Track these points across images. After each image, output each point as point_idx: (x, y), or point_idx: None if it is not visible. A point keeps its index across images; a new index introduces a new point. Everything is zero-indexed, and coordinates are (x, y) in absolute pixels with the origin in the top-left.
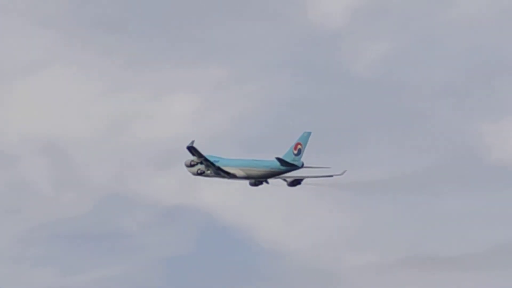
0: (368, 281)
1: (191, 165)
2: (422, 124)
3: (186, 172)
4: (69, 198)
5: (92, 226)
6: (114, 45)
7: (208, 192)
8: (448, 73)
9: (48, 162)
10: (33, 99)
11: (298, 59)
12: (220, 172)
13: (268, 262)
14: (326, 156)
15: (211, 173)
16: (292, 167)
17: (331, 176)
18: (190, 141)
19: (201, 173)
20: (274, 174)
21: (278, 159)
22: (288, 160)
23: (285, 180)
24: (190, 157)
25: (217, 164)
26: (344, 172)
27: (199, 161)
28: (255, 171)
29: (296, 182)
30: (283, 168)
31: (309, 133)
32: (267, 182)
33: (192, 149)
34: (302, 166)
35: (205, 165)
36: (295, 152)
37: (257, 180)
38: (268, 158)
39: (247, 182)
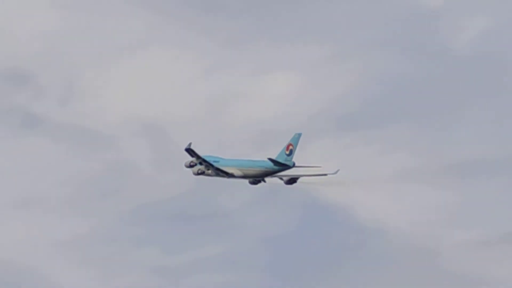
0: (470, 258)
1: (190, 166)
2: None
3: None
4: (170, 178)
5: (193, 206)
6: (213, 24)
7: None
8: None
9: (149, 143)
10: (133, 80)
11: (397, 36)
12: (219, 172)
13: (369, 241)
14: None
15: (211, 173)
16: (285, 166)
17: (325, 175)
18: (187, 144)
19: (201, 173)
20: (269, 174)
21: (271, 159)
22: (280, 160)
23: (281, 178)
24: (190, 158)
25: (217, 164)
26: (337, 171)
27: (198, 162)
28: (251, 171)
29: (292, 181)
30: (276, 167)
31: (300, 135)
32: (264, 181)
33: (190, 151)
34: (294, 165)
35: (205, 166)
36: (287, 152)
37: (255, 179)
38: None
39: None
